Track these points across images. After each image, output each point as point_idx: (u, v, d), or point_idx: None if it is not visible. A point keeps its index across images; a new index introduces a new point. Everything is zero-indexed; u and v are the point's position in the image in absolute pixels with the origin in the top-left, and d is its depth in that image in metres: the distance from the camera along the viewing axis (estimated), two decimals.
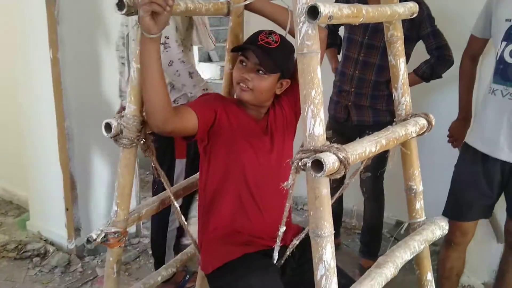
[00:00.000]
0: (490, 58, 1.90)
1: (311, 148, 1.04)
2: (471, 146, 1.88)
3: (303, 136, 1.06)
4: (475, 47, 1.96)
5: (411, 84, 2.15)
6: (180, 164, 2.21)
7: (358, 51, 2.31)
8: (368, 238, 2.65)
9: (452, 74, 2.22)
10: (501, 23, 1.77)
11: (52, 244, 2.78)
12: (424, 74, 2.29)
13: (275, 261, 1.43)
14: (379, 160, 2.40)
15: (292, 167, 1.06)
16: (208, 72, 5.61)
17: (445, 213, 1.87)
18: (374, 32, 2.26)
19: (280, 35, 1.47)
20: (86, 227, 2.70)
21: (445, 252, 1.98)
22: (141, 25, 1.17)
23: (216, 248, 1.49)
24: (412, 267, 2.66)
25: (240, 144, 1.47)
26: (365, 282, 1.15)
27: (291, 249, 1.43)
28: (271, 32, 1.46)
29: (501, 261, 2.09)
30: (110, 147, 2.64)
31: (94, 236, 1.35)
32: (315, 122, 1.04)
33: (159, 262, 2.29)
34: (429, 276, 1.47)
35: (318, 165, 1.00)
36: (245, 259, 1.43)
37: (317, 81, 1.03)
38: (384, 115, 2.36)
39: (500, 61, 1.77)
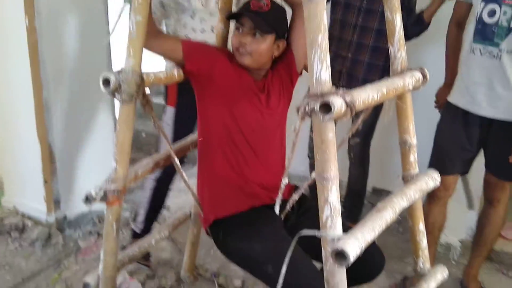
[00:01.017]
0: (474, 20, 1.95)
1: (318, 93, 1.06)
2: (453, 104, 1.96)
3: (309, 82, 1.08)
4: (460, 12, 2.00)
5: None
6: (169, 112, 2.18)
7: (356, 16, 2.31)
8: (351, 203, 2.71)
9: (441, 36, 2.26)
10: None
11: (29, 218, 2.72)
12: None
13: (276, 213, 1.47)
14: (368, 126, 2.47)
15: (299, 113, 1.08)
16: None
17: (429, 167, 1.94)
18: None
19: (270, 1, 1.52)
20: (65, 200, 2.65)
21: (428, 206, 2.05)
22: None
23: (221, 199, 1.54)
24: (394, 228, 2.76)
25: (237, 97, 1.52)
26: (368, 224, 1.18)
27: (291, 204, 1.48)
28: None
29: (479, 216, 2.19)
30: (90, 117, 2.63)
31: (94, 194, 1.34)
32: (321, 68, 1.05)
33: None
34: (421, 226, 1.53)
35: (326, 109, 1.03)
36: (252, 212, 1.48)
37: (323, 26, 1.05)
38: None
39: (479, 21, 1.84)
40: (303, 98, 1.08)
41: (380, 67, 2.35)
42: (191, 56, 1.49)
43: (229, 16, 1.55)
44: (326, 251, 1.08)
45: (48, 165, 2.55)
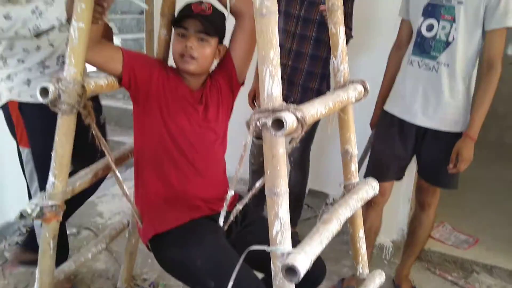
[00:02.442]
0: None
1: (270, 108, 1.06)
2: (389, 113, 2.04)
3: (261, 97, 1.08)
4: (404, 30, 2.06)
5: None
6: (25, 155, 1.96)
7: (295, 25, 2.34)
8: (291, 206, 2.73)
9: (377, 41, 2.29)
10: (420, 1, 1.92)
11: None
12: None
13: (220, 225, 1.45)
14: (308, 132, 2.51)
15: (250, 128, 1.08)
16: None
17: (366, 175, 2.01)
18: (310, 5, 2.30)
19: (209, 3, 1.50)
20: None
21: (364, 212, 2.11)
22: None
23: (160, 213, 1.49)
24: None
25: (173, 110, 1.49)
26: (315, 237, 1.21)
27: (235, 214, 1.46)
28: (201, 1, 1.50)
29: (411, 219, 2.30)
30: None
31: (29, 211, 1.26)
32: (273, 83, 1.06)
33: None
34: (361, 233, 1.58)
35: (278, 125, 1.03)
36: (193, 224, 1.44)
37: (275, 42, 1.05)
38: (311, 96, 2.43)
39: (418, 34, 1.93)
40: (253, 113, 1.08)
41: (318, 75, 2.40)
42: (130, 65, 1.44)
43: (175, 20, 1.51)
44: (276, 266, 1.09)
45: None
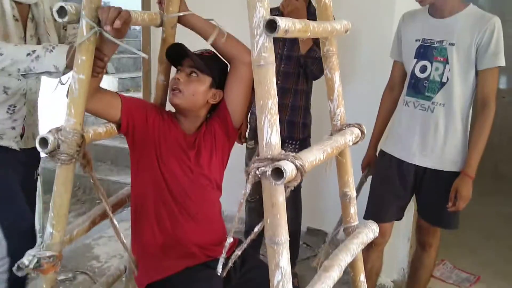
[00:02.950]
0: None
1: (269, 156, 1.06)
2: (387, 153, 2.05)
3: (259, 146, 1.08)
4: (397, 72, 2.10)
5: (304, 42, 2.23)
6: None
7: (279, 63, 2.39)
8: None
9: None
10: (411, 43, 1.97)
11: None
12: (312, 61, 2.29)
13: (219, 273, 1.43)
14: None
15: (249, 177, 1.08)
16: (105, 84, 5.40)
17: (366, 216, 2.00)
18: (292, 44, 2.36)
19: (212, 51, 1.54)
20: None
21: (365, 253, 2.09)
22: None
23: (156, 260, 1.47)
24: None
25: (166, 154, 1.49)
26: (317, 285, 1.20)
27: (233, 260, 1.44)
28: (205, 49, 1.56)
29: (412, 259, 2.28)
30: None
31: (26, 262, 1.24)
32: (271, 132, 1.07)
33: None
34: (362, 277, 1.56)
35: (277, 173, 1.03)
36: (188, 272, 1.43)
37: (273, 91, 1.06)
38: (298, 131, 2.45)
39: (412, 76, 1.96)
40: (252, 161, 1.08)
41: (302, 108, 2.46)
42: (129, 111, 1.46)
43: (169, 57, 1.55)
44: None
45: None
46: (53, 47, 1.49)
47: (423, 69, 1.93)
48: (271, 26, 1.02)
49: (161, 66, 1.61)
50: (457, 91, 1.87)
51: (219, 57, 1.54)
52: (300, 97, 2.44)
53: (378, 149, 2.17)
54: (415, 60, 1.94)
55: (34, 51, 1.48)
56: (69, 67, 1.42)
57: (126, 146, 1.56)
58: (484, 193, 3.77)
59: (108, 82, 5.45)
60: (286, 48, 2.39)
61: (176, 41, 1.58)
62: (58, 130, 1.21)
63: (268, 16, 1.02)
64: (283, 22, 1.02)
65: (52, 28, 1.81)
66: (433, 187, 1.97)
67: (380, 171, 2.10)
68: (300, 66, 2.36)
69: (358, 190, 2.22)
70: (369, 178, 2.21)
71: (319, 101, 2.48)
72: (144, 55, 1.41)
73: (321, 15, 1.36)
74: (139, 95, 4.20)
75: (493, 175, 4.45)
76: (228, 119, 1.55)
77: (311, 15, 2.33)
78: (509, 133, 4.66)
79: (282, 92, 2.42)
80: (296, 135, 2.45)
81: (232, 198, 1.60)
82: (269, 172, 1.03)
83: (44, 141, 1.19)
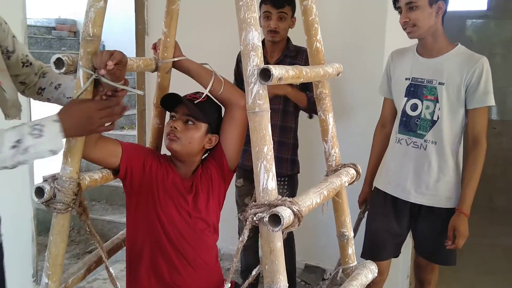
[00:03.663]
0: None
1: (266, 202, 1.07)
2: (381, 190, 2.05)
3: (256, 191, 1.09)
4: (387, 109, 2.13)
5: (295, 96, 2.32)
6: None
7: (276, 118, 2.41)
8: None
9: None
10: (401, 82, 2.00)
11: None
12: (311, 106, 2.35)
13: None
14: None
15: (246, 223, 1.08)
16: None
17: (363, 255, 1.99)
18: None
19: (206, 95, 1.54)
20: None
21: None
22: None
23: None
24: None
25: (163, 199, 1.48)
26: None
27: None
28: (197, 92, 1.54)
29: None
30: None
31: None
32: (268, 177, 1.08)
33: None
34: None
35: (274, 219, 1.03)
36: None
37: (268, 138, 1.08)
38: (286, 167, 2.46)
39: (403, 114, 1.99)
40: (249, 207, 1.09)
41: (290, 145, 2.49)
42: (128, 157, 1.45)
43: (164, 103, 1.55)
44: None
45: None
46: (40, 129, 1.17)
47: (414, 107, 1.95)
48: (265, 74, 1.04)
49: (156, 110, 1.63)
50: (447, 129, 1.90)
51: (213, 101, 1.55)
52: (288, 134, 2.47)
53: (373, 186, 2.18)
54: (406, 98, 1.97)
55: (19, 141, 1.15)
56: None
57: (121, 184, 1.55)
58: (480, 225, 3.77)
59: None
60: (282, 104, 2.42)
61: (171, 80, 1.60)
62: (54, 179, 1.22)
63: (262, 65, 1.05)
64: (276, 71, 1.04)
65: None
66: (429, 224, 1.97)
67: (375, 208, 2.11)
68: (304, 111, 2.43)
69: (356, 227, 2.22)
70: (367, 214, 2.21)
71: (308, 138, 2.53)
72: (139, 92, 1.42)
73: (313, 59, 1.40)
74: (133, 133, 4.21)
75: (488, 207, 4.46)
76: (224, 162, 1.55)
77: (290, 51, 2.39)
78: (502, 164, 4.71)
79: (280, 145, 2.44)
80: (285, 171, 2.45)
81: (222, 235, 1.60)
82: (266, 219, 1.03)
83: (40, 191, 1.19)
